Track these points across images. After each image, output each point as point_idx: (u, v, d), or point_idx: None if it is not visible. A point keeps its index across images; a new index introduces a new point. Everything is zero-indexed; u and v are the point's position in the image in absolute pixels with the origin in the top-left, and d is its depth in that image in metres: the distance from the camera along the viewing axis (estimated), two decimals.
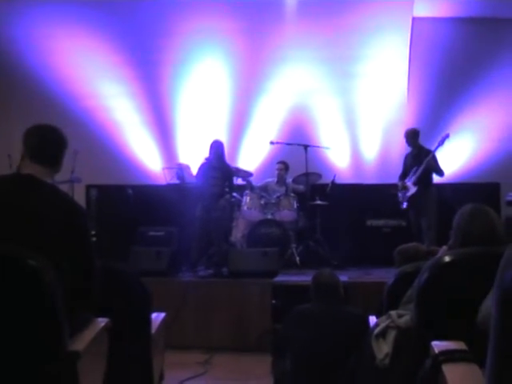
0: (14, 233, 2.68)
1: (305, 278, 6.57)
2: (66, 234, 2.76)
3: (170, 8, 9.40)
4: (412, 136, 7.94)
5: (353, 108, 9.47)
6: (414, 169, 7.80)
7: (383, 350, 2.77)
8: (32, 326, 2.49)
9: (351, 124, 9.47)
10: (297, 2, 9.39)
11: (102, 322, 2.98)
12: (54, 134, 3.00)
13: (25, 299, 2.47)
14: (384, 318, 2.92)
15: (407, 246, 4.33)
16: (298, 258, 7.74)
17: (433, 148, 7.74)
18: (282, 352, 4.22)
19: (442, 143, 7.67)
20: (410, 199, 7.81)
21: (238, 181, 8.54)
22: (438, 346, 2.16)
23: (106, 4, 9.38)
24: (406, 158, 8.08)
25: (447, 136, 7.68)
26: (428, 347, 2.22)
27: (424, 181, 7.73)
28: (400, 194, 7.94)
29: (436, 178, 7.87)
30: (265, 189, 8.56)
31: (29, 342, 2.49)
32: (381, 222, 8.60)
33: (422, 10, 9.18)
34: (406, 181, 7.88)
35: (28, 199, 2.77)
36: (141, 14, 9.50)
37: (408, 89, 9.35)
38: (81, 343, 2.69)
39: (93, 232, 7.88)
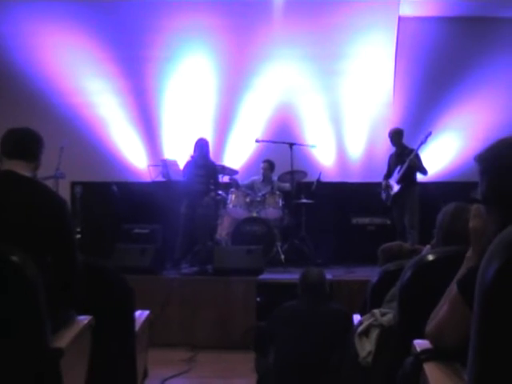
0: None
1: (289, 275, 6.61)
2: (47, 226, 2.77)
3: (155, 5, 9.35)
4: (396, 136, 7.99)
5: (338, 106, 9.48)
6: (398, 168, 7.85)
7: (366, 348, 2.78)
8: (14, 323, 2.49)
9: (337, 122, 9.48)
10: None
11: (84, 319, 2.98)
12: (27, 132, 3.10)
13: (6, 295, 2.47)
14: (367, 316, 2.94)
15: (391, 244, 4.35)
16: (282, 256, 7.73)
17: (416, 146, 7.79)
18: (265, 349, 4.23)
19: (424, 141, 7.74)
20: (394, 198, 7.86)
21: (224, 178, 8.54)
22: (419, 344, 2.15)
23: (91, 0, 9.32)
24: (391, 157, 8.15)
25: (430, 134, 7.74)
26: (410, 346, 2.22)
27: (407, 179, 7.78)
28: (384, 194, 7.99)
29: (420, 177, 7.91)
30: (251, 187, 8.57)
31: (11, 338, 2.48)
32: (366, 220, 8.62)
33: (408, 9, 9.20)
34: (390, 180, 7.93)
35: (7, 194, 2.79)
36: (127, 10, 9.44)
37: (394, 87, 9.37)
38: (64, 340, 2.69)
39: (77, 229, 7.88)
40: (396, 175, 7.86)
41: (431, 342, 2.09)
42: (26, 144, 3.03)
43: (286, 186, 8.41)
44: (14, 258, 2.46)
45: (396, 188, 7.82)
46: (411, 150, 7.81)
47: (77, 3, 9.27)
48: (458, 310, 1.92)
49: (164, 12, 9.35)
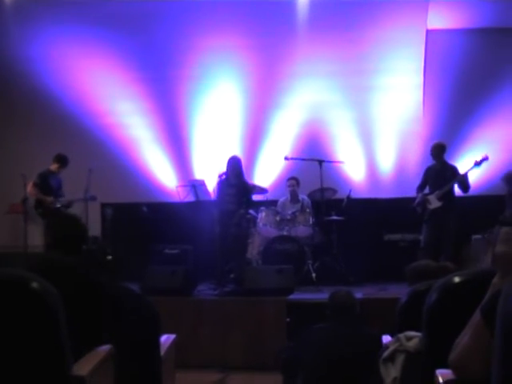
0: None
1: (320, 295, 6.56)
2: None
3: (184, 26, 9.41)
4: (438, 150, 7.90)
5: (368, 121, 9.40)
6: (440, 183, 7.72)
7: (391, 374, 2.69)
8: (35, 351, 2.47)
9: (366, 138, 9.40)
10: (310, 16, 9.36)
11: (106, 347, 2.95)
12: (77, 228, 3.33)
13: (28, 323, 2.46)
14: (393, 340, 2.85)
15: (418, 263, 4.25)
16: (314, 275, 7.66)
17: (467, 166, 7.74)
18: (293, 372, 4.16)
19: (479, 164, 7.64)
20: (432, 213, 7.72)
21: (254, 197, 8.50)
22: (443, 374, 2.06)
23: (120, 22, 9.38)
24: (428, 170, 8.00)
25: (486, 158, 7.65)
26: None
27: (449, 196, 7.68)
28: (420, 208, 7.83)
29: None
30: (282, 209, 8.47)
31: (32, 366, 2.47)
32: (398, 237, 8.52)
33: (435, 22, 9.11)
34: (429, 195, 7.79)
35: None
36: (155, 31, 9.51)
37: (423, 101, 9.27)
38: (86, 368, 2.66)
39: (108, 250, 7.89)
40: (437, 191, 7.72)
41: (454, 372, 2.00)
42: (74, 240, 3.25)
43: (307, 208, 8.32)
44: (34, 285, 2.45)
45: (436, 204, 7.69)
46: (451, 167, 7.74)
47: (104, 25, 9.36)
48: (482, 337, 1.84)
49: (192, 32, 9.39)
